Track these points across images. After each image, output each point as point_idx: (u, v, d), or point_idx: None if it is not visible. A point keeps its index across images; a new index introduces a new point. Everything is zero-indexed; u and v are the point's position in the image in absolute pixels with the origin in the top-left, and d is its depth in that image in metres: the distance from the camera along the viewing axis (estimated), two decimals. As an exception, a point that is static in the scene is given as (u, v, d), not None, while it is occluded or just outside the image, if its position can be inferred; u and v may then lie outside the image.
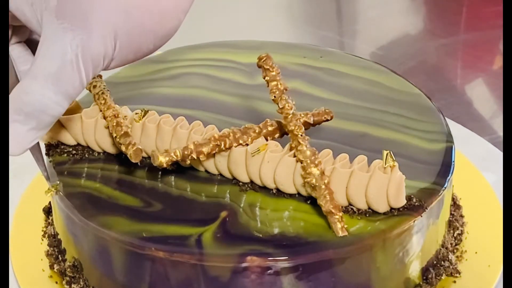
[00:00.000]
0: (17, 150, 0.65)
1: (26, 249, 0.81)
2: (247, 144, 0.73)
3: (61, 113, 0.64)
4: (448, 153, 0.77)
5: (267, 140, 0.74)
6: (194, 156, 0.72)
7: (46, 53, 0.62)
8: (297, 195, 0.72)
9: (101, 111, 0.77)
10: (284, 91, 0.73)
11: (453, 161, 0.76)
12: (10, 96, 0.64)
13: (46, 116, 0.64)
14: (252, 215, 0.71)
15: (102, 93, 0.78)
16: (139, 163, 0.75)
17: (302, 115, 0.75)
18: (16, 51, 0.70)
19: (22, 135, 0.64)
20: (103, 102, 0.77)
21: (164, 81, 0.87)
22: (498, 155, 0.90)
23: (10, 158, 0.89)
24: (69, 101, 0.64)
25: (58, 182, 0.75)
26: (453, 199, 0.82)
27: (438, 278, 0.75)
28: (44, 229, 0.83)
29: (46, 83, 0.62)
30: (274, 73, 0.73)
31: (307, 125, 0.75)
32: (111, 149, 0.77)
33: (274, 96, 0.73)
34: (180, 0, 0.66)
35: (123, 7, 0.62)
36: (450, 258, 0.77)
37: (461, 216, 0.82)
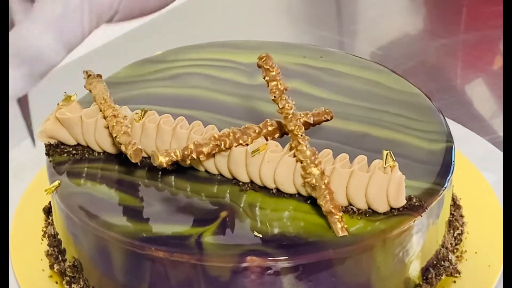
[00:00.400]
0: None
1: (26, 249, 0.81)
2: (247, 144, 0.73)
3: (57, 63, 0.61)
4: (448, 153, 0.77)
5: (267, 140, 0.74)
6: (194, 156, 0.72)
7: None
8: (297, 195, 0.72)
9: (101, 111, 0.77)
10: (284, 91, 0.73)
11: (453, 161, 0.76)
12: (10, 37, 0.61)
13: (42, 64, 0.61)
14: (252, 215, 0.71)
15: (102, 93, 0.78)
16: (139, 163, 0.75)
17: (302, 115, 0.75)
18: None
19: (14, 81, 0.61)
20: (103, 102, 0.77)
21: (164, 81, 0.87)
22: (498, 155, 0.90)
23: (10, 158, 0.90)
24: (67, 52, 0.61)
25: (60, 181, 0.75)
26: (453, 199, 0.82)
27: (438, 278, 0.75)
28: (44, 229, 0.83)
29: (46, 28, 0.59)
30: (274, 73, 0.73)
31: (307, 125, 0.75)
32: (111, 149, 0.77)
33: (274, 96, 0.73)
34: None
35: None
36: (450, 258, 0.77)
37: (461, 216, 0.82)
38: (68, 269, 0.76)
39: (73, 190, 0.75)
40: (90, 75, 0.81)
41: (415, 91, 0.85)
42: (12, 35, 0.60)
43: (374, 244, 0.69)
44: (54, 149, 0.79)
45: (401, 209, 0.71)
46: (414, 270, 0.74)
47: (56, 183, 0.76)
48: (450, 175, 0.75)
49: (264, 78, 0.74)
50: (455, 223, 0.80)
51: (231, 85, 0.86)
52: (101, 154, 0.78)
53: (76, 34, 0.61)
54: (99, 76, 0.80)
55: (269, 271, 0.68)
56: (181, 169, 0.75)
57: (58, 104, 0.79)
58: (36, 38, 0.60)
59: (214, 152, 0.73)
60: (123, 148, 0.74)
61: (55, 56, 0.61)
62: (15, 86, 0.61)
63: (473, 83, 1.16)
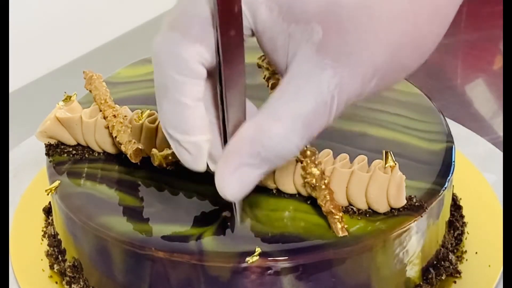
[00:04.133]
0: (239, 194, 0.59)
1: (26, 249, 0.81)
2: (247, 144, 0.73)
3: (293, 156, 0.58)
4: (448, 153, 0.77)
5: (267, 140, 0.74)
6: (194, 156, 0.72)
7: (297, 91, 0.55)
8: (297, 195, 0.72)
9: (101, 111, 0.77)
10: (284, 91, 0.73)
11: (453, 161, 0.76)
12: (243, 135, 0.57)
13: (281, 161, 0.57)
14: (252, 215, 0.71)
15: (102, 93, 0.78)
16: (139, 163, 0.75)
17: (302, 115, 0.75)
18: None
19: (250, 180, 0.58)
20: (103, 102, 0.77)
21: (164, 81, 0.86)
22: (498, 155, 0.90)
23: (10, 158, 0.90)
24: (306, 145, 0.58)
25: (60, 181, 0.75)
26: (453, 199, 0.82)
27: (438, 278, 0.75)
28: (44, 229, 0.83)
29: (294, 126, 0.55)
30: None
31: (307, 125, 0.75)
32: (111, 149, 0.77)
33: (274, 96, 0.73)
34: (438, 38, 0.60)
35: (390, 46, 0.57)
36: (450, 258, 0.76)
37: (461, 216, 0.82)
38: (68, 269, 0.76)
39: (73, 190, 0.75)
40: (90, 75, 0.80)
41: (415, 91, 0.85)
42: (252, 133, 0.57)
43: (374, 244, 0.69)
44: (54, 149, 0.79)
45: (401, 209, 0.71)
46: (414, 270, 0.74)
47: (56, 183, 0.75)
48: (450, 175, 0.75)
49: (264, 78, 0.74)
50: (455, 223, 0.80)
51: (231, 85, 0.85)
52: (101, 154, 0.78)
53: (321, 128, 0.57)
54: (99, 76, 0.80)
55: (269, 271, 0.68)
56: (181, 169, 0.75)
57: (58, 104, 0.79)
58: (283, 138, 0.56)
59: (214, 152, 0.73)
60: (123, 148, 0.74)
61: (296, 152, 0.57)
62: (250, 184, 0.59)
63: (473, 83, 1.16)
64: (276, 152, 0.57)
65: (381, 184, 0.69)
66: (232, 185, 0.59)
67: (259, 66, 0.74)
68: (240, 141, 0.58)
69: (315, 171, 0.70)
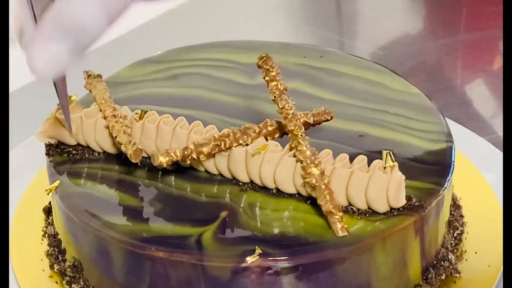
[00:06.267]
0: (48, 70, 0.57)
1: (26, 249, 0.81)
2: (247, 144, 0.73)
3: (100, 35, 0.57)
4: (448, 153, 0.77)
5: (267, 140, 0.74)
6: (194, 156, 0.72)
7: None
8: (297, 195, 0.72)
9: (101, 111, 0.77)
10: (284, 91, 0.73)
11: (453, 161, 0.76)
12: (50, 10, 0.56)
13: (85, 37, 0.56)
14: (252, 215, 0.71)
15: (102, 93, 0.78)
16: (139, 163, 0.75)
17: (302, 115, 0.75)
18: None
19: (57, 55, 0.56)
20: (103, 102, 0.77)
21: (164, 81, 0.87)
22: (498, 155, 0.90)
23: (10, 158, 0.90)
24: (109, 23, 0.57)
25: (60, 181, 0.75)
26: (453, 199, 0.82)
27: (438, 278, 0.75)
28: (44, 229, 0.83)
29: None
30: (274, 73, 0.73)
31: (307, 125, 0.75)
32: (111, 149, 0.77)
33: (274, 96, 0.73)
34: None
35: None
36: (450, 258, 0.77)
37: (461, 216, 0.82)
38: (68, 269, 0.76)
39: (73, 190, 0.75)
40: (90, 75, 0.81)
41: (415, 91, 0.85)
42: (55, 4, 0.56)
43: (374, 244, 0.69)
44: (54, 149, 0.79)
45: (401, 209, 0.71)
46: (414, 270, 0.74)
47: (56, 183, 0.76)
48: (450, 175, 0.75)
49: (264, 78, 0.74)
50: (455, 223, 0.80)
51: (231, 85, 0.86)
52: (101, 154, 0.78)
53: (119, 2, 0.56)
54: (99, 76, 0.80)
55: (269, 271, 0.68)
56: (181, 169, 0.75)
57: (58, 104, 0.79)
58: (80, 7, 0.55)
59: (214, 152, 0.73)
60: (123, 148, 0.74)
61: (98, 27, 0.56)
62: (59, 61, 0.57)
63: (473, 83, 1.16)
64: (75, 22, 0.56)
65: (381, 184, 0.69)
66: (40, 61, 0.57)
67: (259, 66, 0.74)
68: (47, 15, 0.56)
69: (315, 171, 0.70)
